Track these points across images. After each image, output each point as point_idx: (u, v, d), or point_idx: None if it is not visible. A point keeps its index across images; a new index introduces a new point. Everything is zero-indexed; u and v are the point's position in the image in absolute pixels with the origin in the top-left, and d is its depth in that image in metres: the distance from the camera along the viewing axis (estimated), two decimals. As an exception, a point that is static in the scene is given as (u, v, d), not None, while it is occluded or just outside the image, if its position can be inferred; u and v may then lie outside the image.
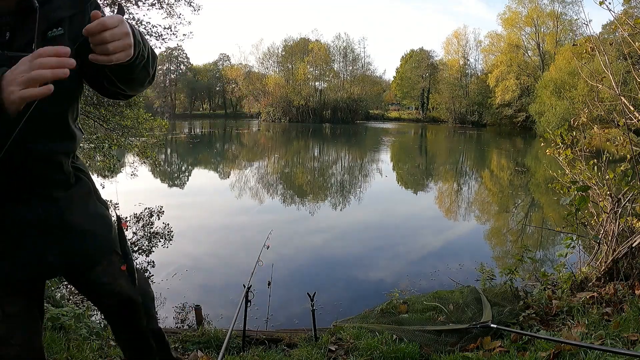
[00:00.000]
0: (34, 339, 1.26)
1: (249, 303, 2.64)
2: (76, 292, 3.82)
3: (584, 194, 3.43)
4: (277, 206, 10.91)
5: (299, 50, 54.66)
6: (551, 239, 7.06)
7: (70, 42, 1.08)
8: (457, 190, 13.76)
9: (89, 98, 7.35)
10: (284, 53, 55.52)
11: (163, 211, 9.06)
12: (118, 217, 1.29)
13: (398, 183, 14.98)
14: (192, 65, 68.24)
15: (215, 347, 2.80)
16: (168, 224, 8.04)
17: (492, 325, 2.67)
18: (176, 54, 62.94)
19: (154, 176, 14.57)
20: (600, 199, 3.67)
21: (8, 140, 0.95)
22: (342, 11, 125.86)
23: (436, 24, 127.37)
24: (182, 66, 66.12)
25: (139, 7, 8.60)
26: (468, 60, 52.60)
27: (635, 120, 3.50)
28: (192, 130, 38.85)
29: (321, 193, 12.78)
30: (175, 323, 4.26)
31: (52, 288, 3.76)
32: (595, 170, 3.70)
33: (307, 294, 2.84)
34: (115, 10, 1.03)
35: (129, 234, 7.13)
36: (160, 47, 10.65)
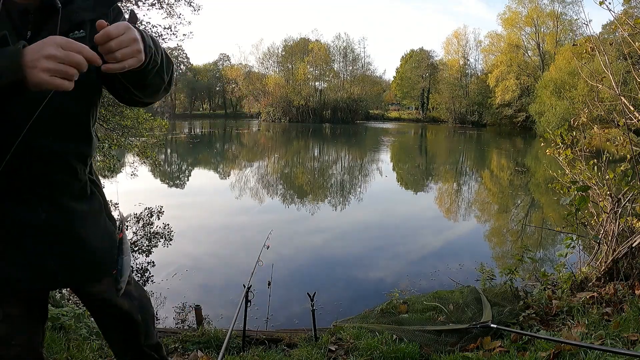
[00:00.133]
0: (34, 340, 1.26)
1: (249, 303, 2.64)
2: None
3: (584, 194, 3.43)
4: (277, 206, 10.92)
5: (299, 50, 54.65)
6: (551, 239, 7.06)
7: (90, 45, 1.08)
8: (457, 190, 13.76)
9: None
10: (284, 53, 55.52)
11: (163, 211, 9.06)
12: (121, 221, 1.26)
13: (398, 183, 14.98)
14: (192, 65, 68.28)
15: (215, 347, 2.80)
16: (168, 224, 8.04)
17: (492, 325, 2.67)
18: (176, 54, 62.90)
19: (154, 176, 14.57)
20: (600, 199, 3.67)
21: (27, 124, 0.95)
22: (342, 11, 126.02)
23: (436, 24, 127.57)
24: (182, 66, 66.11)
25: (139, 7, 8.59)
26: (468, 60, 52.67)
27: (635, 120, 3.50)
28: (192, 130, 38.86)
29: (321, 193, 12.78)
30: (175, 323, 4.26)
31: (52, 288, 3.75)
32: (595, 170, 3.70)
33: (307, 294, 2.84)
34: (128, 16, 1.04)
35: (129, 234, 7.09)
36: (160, 47, 10.60)
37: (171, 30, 9.43)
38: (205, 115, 67.91)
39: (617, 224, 3.45)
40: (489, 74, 45.98)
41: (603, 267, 3.37)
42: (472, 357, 2.46)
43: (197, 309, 3.33)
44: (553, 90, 31.83)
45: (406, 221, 9.34)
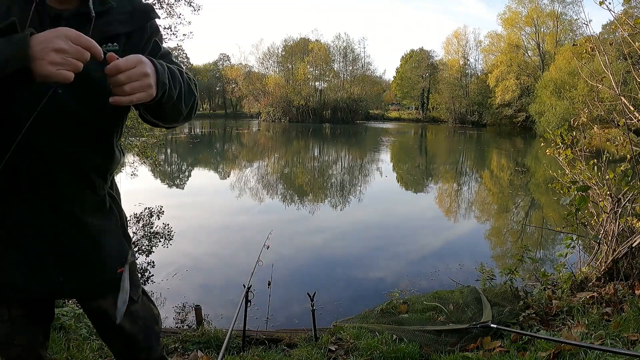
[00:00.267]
0: (35, 340, 1.25)
1: (249, 303, 2.64)
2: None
3: (584, 194, 3.43)
4: (277, 206, 10.92)
5: (299, 50, 54.64)
6: (551, 239, 7.06)
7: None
8: (457, 190, 13.76)
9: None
10: (284, 53, 55.52)
11: (163, 211, 9.06)
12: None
13: (398, 183, 14.98)
14: (192, 65, 68.03)
15: (215, 347, 2.80)
16: (168, 224, 8.04)
17: (492, 325, 2.67)
18: (176, 54, 62.58)
19: (154, 176, 14.56)
20: (600, 199, 3.67)
21: (30, 117, 0.93)
22: (342, 11, 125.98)
23: (436, 24, 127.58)
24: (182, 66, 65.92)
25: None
26: (468, 60, 52.68)
27: (635, 120, 3.50)
28: (192, 130, 38.84)
29: (321, 193, 12.78)
30: (175, 323, 4.26)
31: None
32: (595, 170, 3.70)
33: (307, 294, 2.84)
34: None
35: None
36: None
37: (171, 30, 9.45)
38: (205, 115, 67.85)
39: (617, 224, 3.45)
40: (489, 74, 45.98)
41: (603, 267, 3.37)
42: (472, 357, 2.46)
43: (197, 309, 3.33)
44: (553, 90, 31.83)
45: (406, 221, 9.33)
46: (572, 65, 28.20)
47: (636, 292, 2.89)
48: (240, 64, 59.82)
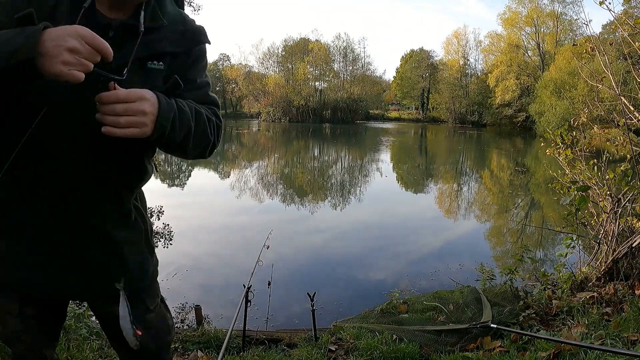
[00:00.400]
0: (38, 340, 1.24)
1: (249, 303, 2.65)
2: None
3: (584, 194, 3.43)
4: (277, 206, 10.92)
5: (299, 50, 54.62)
6: (551, 239, 7.05)
7: (163, 80, 1.06)
8: (457, 190, 13.76)
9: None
10: (284, 53, 55.50)
11: (163, 211, 9.05)
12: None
13: (398, 183, 14.97)
14: (192, 65, 68.08)
15: (215, 347, 2.81)
16: (168, 224, 8.03)
17: (492, 325, 2.67)
18: (176, 54, 62.74)
19: (154, 176, 14.49)
20: (600, 199, 3.67)
21: (39, 114, 0.92)
22: (342, 11, 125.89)
23: (436, 24, 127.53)
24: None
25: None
26: (468, 60, 52.66)
27: (635, 120, 3.51)
28: (192, 130, 38.78)
29: (321, 193, 12.78)
30: (175, 323, 4.26)
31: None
32: (595, 170, 3.71)
33: (307, 294, 2.84)
34: (173, 81, 1.03)
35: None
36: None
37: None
38: (205, 115, 67.74)
39: (617, 224, 3.45)
40: (489, 74, 45.97)
41: (603, 267, 3.37)
42: (472, 357, 2.46)
43: (197, 309, 3.33)
44: (553, 90, 31.84)
45: (406, 221, 9.34)
46: (572, 65, 28.20)
47: (636, 292, 2.90)
48: (240, 64, 59.85)
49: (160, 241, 7.20)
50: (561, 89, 30.77)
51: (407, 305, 3.46)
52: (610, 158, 3.76)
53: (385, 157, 22.54)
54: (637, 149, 3.42)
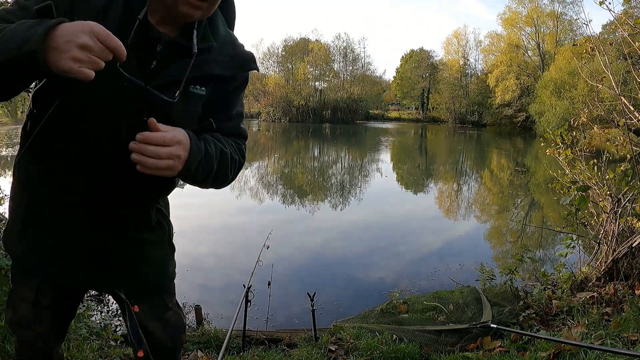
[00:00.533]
0: (51, 334, 1.26)
1: (249, 303, 2.65)
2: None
3: (584, 194, 3.43)
4: (277, 206, 10.91)
5: (299, 50, 54.62)
6: (551, 239, 7.05)
7: (203, 104, 1.07)
8: (457, 190, 13.76)
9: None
10: (284, 53, 55.49)
11: (163, 211, 9.05)
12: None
13: (398, 183, 14.97)
14: (192, 65, 68.04)
15: (215, 347, 2.81)
16: (168, 224, 8.03)
17: (492, 325, 2.67)
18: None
19: (154, 176, 14.55)
20: (600, 199, 3.67)
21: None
22: (342, 11, 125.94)
23: (436, 24, 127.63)
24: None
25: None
26: (468, 60, 52.66)
27: (635, 120, 3.51)
28: (192, 130, 38.80)
29: (321, 193, 12.77)
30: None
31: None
32: (595, 170, 3.71)
33: (307, 294, 2.84)
34: (207, 124, 1.04)
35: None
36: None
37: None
38: (205, 115, 67.77)
39: (617, 224, 3.45)
40: (489, 74, 45.97)
41: (603, 267, 3.37)
42: (472, 357, 2.46)
43: (197, 309, 3.33)
44: (553, 90, 31.84)
45: (406, 221, 9.33)
46: (572, 65, 28.20)
47: (636, 292, 2.90)
48: (240, 64, 59.75)
49: (160, 241, 7.19)
50: (561, 89, 30.77)
51: (407, 305, 3.46)
52: (610, 158, 3.76)
53: (385, 157, 22.53)
54: (637, 149, 3.42)
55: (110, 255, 1.14)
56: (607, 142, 4.15)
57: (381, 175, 16.15)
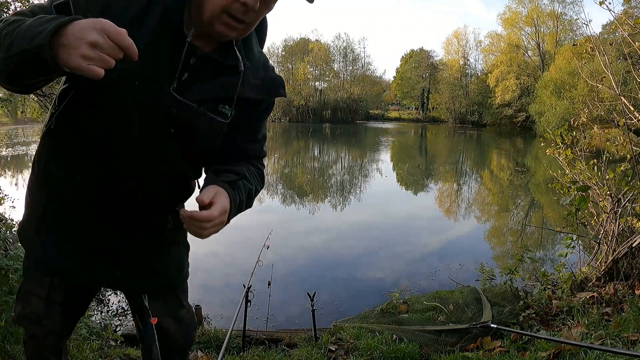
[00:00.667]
0: (60, 331, 1.26)
1: (249, 303, 2.65)
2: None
3: (584, 194, 3.43)
4: (277, 206, 10.91)
5: (299, 50, 54.63)
6: (551, 239, 7.05)
7: (229, 124, 1.07)
8: (457, 190, 13.76)
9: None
10: (284, 53, 55.48)
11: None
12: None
13: (398, 183, 14.97)
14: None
15: (215, 347, 2.81)
16: (168, 224, 8.03)
17: (492, 325, 2.67)
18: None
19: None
20: (600, 199, 3.67)
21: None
22: (342, 11, 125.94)
23: (436, 24, 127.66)
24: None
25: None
26: (468, 60, 52.66)
27: (635, 120, 3.50)
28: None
29: (321, 193, 12.77)
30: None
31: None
32: (595, 170, 3.70)
33: (307, 294, 2.84)
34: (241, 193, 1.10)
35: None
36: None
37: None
38: (205, 115, 67.72)
39: (617, 224, 3.45)
40: (489, 74, 45.97)
41: (603, 267, 3.37)
42: (472, 357, 2.46)
43: (197, 309, 3.33)
44: (553, 90, 31.83)
45: (406, 221, 9.33)
46: (572, 65, 28.18)
47: (636, 292, 2.89)
48: (240, 64, 59.75)
49: (160, 241, 7.19)
50: (561, 89, 30.76)
51: (407, 305, 3.46)
52: (610, 158, 3.76)
53: (385, 157, 22.53)
54: (637, 149, 3.42)
55: (127, 255, 1.15)
56: (607, 142, 4.15)
57: (381, 175, 16.15)
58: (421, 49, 58.65)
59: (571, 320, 2.78)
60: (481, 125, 48.74)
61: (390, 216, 9.70)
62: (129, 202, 1.08)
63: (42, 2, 0.96)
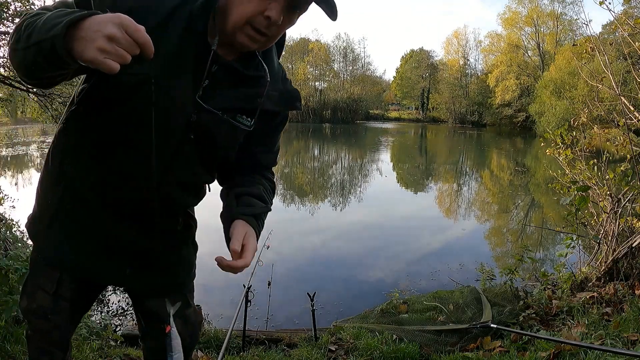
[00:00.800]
0: (66, 326, 1.26)
1: (249, 303, 2.65)
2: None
3: (584, 194, 3.43)
4: (277, 206, 10.83)
5: (299, 50, 54.64)
6: (551, 239, 7.05)
7: (245, 134, 1.08)
8: (457, 190, 13.76)
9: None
10: (284, 53, 55.37)
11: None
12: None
13: (398, 183, 14.97)
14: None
15: (215, 347, 2.81)
16: (168, 224, 8.03)
17: (492, 325, 2.67)
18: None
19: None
20: (600, 199, 3.67)
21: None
22: (342, 11, 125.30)
23: (436, 24, 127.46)
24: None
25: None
26: (468, 60, 52.65)
27: (635, 120, 3.51)
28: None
29: (321, 193, 12.77)
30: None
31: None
32: (595, 170, 3.70)
33: (307, 294, 2.84)
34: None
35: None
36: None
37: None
38: (205, 115, 67.69)
39: (617, 224, 3.45)
40: (489, 74, 45.96)
41: (603, 267, 3.37)
42: (472, 357, 2.46)
43: (197, 309, 3.33)
44: (553, 90, 31.83)
45: (406, 221, 9.33)
46: (572, 65, 28.19)
47: (636, 292, 2.89)
48: (240, 64, 59.80)
49: (160, 241, 7.19)
50: (561, 89, 30.77)
51: (407, 305, 3.46)
52: (610, 158, 3.76)
53: (385, 157, 22.53)
54: (637, 149, 3.42)
55: (139, 253, 1.16)
56: (607, 142, 4.15)
57: (381, 175, 16.15)
58: (421, 49, 58.71)
59: (571, 320, 2.78)
60: (481, 125, 48.74)
61: (390, 216, 9.70)
62: (144, 204, 1.08)
63: None
